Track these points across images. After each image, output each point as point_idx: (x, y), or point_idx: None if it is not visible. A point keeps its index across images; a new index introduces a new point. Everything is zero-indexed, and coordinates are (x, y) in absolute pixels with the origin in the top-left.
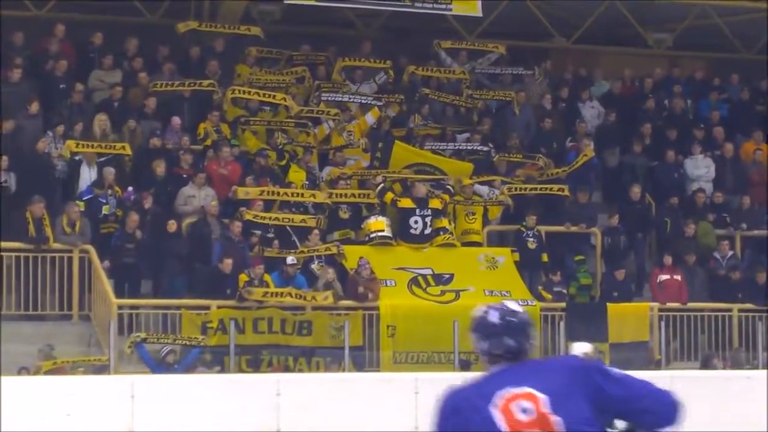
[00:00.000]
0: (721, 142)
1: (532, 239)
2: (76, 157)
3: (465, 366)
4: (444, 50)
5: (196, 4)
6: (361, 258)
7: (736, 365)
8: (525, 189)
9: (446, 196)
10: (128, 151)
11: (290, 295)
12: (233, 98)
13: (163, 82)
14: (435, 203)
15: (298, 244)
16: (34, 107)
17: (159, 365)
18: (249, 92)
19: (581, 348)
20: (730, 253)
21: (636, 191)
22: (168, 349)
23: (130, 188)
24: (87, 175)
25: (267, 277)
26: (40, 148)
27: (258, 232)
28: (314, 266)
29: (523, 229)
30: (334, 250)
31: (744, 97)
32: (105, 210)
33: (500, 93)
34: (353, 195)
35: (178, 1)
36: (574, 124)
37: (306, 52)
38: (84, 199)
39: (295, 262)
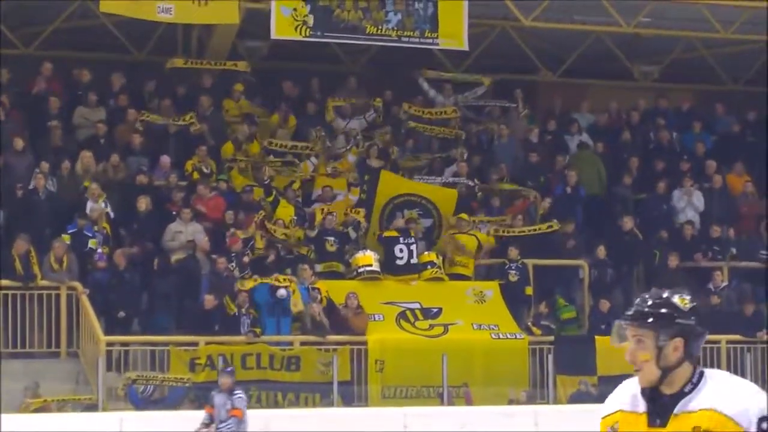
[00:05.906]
0: (709, 174)
1: (513, 272)
2: (84, 195)
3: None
4: (426, 80)
5: (183, 41)
6: (349, 292)
7: None
8: (513, 231)
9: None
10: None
11: None
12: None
13: (149, 115)
14: (419, 228)
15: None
16: (18, 144)
17: (144, 402)
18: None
19: None
20: (723, 284)
21: (627, 222)
22: (152, 388)
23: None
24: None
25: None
26: (39, 185)
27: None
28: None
29: (506, 261)
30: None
31: (735, 129)
32: (92, 244)
33: (485, 125)
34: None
35: (166, 38)
36: (562, 157)
37: (293, 89)
38: (69, 232)
39: (286, 294)
